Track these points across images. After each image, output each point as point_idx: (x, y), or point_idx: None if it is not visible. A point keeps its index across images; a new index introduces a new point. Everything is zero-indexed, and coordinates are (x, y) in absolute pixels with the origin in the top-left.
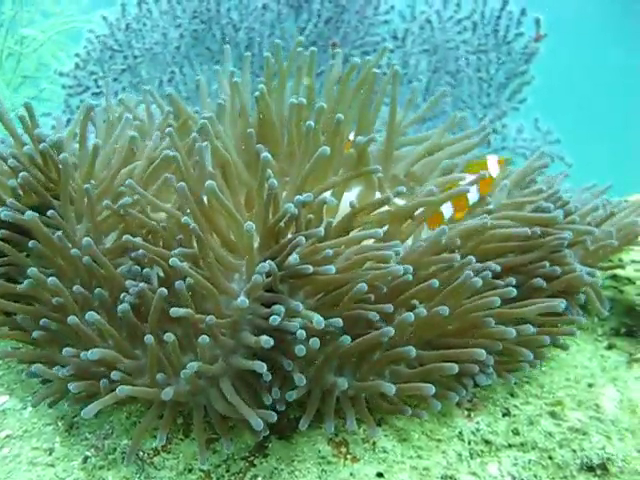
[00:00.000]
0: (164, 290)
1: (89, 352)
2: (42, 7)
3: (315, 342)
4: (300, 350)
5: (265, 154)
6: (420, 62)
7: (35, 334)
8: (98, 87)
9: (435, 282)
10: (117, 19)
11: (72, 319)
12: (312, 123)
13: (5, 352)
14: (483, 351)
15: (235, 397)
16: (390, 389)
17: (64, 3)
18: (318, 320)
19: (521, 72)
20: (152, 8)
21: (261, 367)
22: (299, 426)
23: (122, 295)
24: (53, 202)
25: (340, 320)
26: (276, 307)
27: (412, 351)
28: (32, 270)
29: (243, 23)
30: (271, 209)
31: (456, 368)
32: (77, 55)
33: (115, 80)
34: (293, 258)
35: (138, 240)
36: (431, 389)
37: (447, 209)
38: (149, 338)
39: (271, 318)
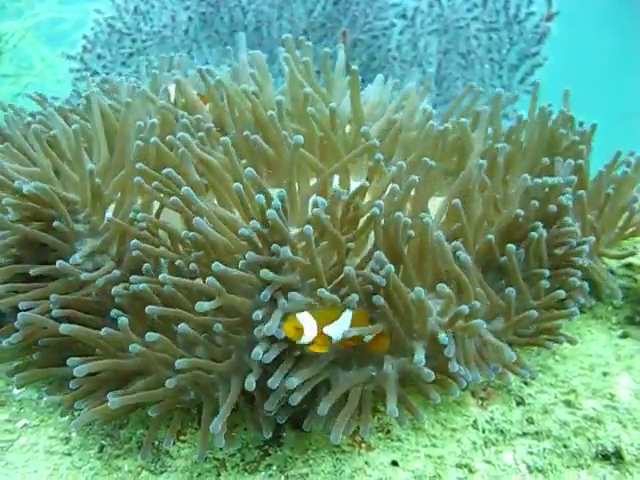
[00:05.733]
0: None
1: (75, 369)
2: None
3: (292, 382)
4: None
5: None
6: (430, 43)
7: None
8: (106, 73)
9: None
10: (125, 0)
11: (65, 327)
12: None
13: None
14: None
15: (234, 396)
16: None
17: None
18: (276, 330)
19: (533, 53)
20: None
21: (250, 385)
22: (303, 427)
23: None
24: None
25: (295, 381)
26: (263, 293)
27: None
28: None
29: (251, 6)
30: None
31: (433, 376)
32: (85, 37)
33: (123, 64)
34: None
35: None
36: (394, 411)
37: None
38: (135, 347)
39: (256, 330)
